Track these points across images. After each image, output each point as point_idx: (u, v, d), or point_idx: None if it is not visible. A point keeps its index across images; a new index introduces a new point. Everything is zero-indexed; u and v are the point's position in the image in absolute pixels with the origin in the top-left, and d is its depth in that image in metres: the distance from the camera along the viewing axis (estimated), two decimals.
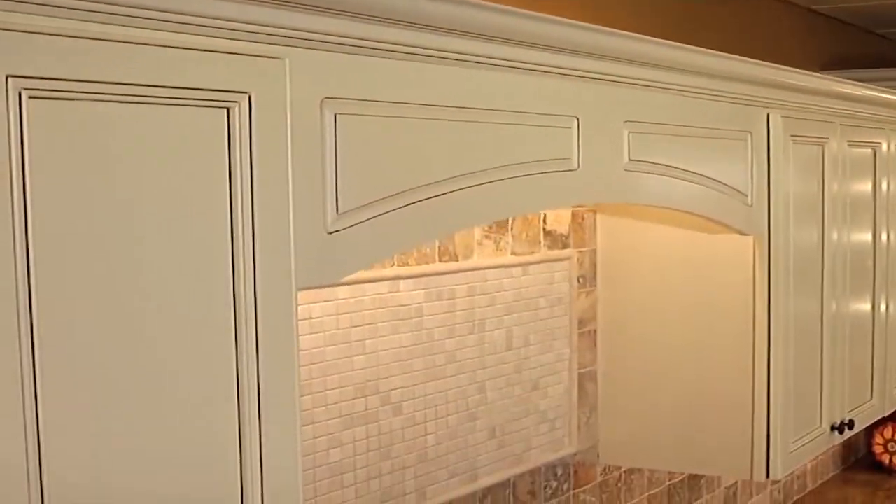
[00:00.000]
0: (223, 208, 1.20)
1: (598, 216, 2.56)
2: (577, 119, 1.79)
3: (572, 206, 2.38)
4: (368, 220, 1.40)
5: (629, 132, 1.92)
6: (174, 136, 1.15)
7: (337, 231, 1.35)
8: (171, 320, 1.16)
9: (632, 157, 1.93)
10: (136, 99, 1.10)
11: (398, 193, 1.44)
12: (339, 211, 1.36)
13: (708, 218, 2.20)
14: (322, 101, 1.33)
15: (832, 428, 2.75)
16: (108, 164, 1.09)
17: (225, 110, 1.19)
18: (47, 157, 1.03)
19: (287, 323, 1.28)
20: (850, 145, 2.80)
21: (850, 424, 2.80)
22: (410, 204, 1.46)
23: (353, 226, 1.37)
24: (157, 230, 1.14)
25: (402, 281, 2.04)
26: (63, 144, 1.05)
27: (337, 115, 1.35)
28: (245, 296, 1.23)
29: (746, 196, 2.32)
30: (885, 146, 3.04)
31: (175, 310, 1.16)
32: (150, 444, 1.14)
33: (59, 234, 1.05)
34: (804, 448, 2.60)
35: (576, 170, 1.79)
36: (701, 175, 2.14)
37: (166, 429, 1.16)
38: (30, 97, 1.01)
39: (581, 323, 2.55)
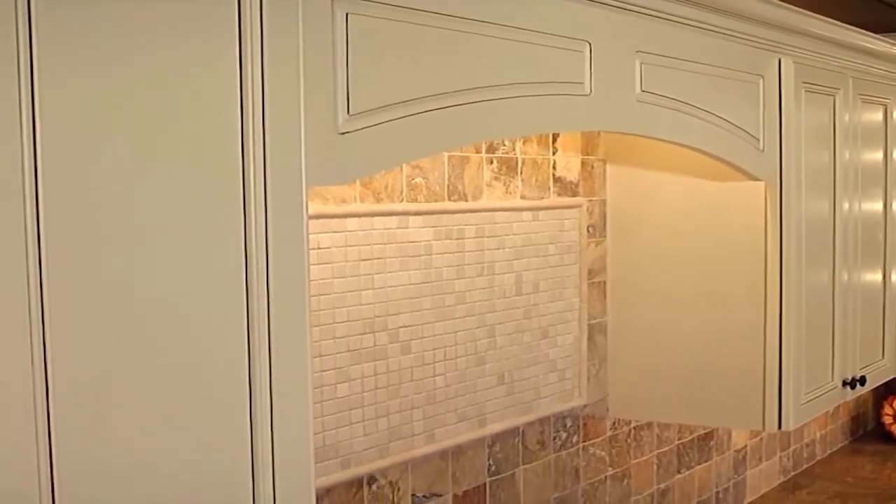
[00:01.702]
0: (234, 101, 1.18)
1: (608, 165, 2.54)
2: (589, 44, 1.76)
3: (584, 131, 2.35)
4: (379, 124, 1.38)
5: (641, 63, 1.90)
6: (185, 27, 1.12)
7: (348, 132, 1.33)
8: (178, 213, 1.13)
9: (644, 89, 1.91)
10: None
11: (410, 101, 1.42)
12: (351, 112, 1.34)
13: (720, 158, 2.17)
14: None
15: (844, 383, 2.72)
16: (114, 53, 1.06)
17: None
18: (53, 35, 1.01)
19: (297, 223, 1.25)
20: (861, 100, 2.77)
21: (862, 381, 2.78)
22: (421, 112, 1.44)
23: (364, 129, 1.35)
24: (165, 123, 1.11)
25: (410, 217, 2.01)
26: (68, 28, 1.02)
27: (349, 15, 1.33)
28: (255, 191, 1.20)
29: (758, 140, 2.30)
30: None
31: (183, 203, 1.14)
32: (156, 368, 1.12)
33: (65, 125, 1.03)
34: (816, 401, 2.58)
35: (588, 95, 1.76)
36: (713, 114, 2.12)
37: (172, 341, 1.14)
38: None
39: (591, 273, 2.52)
